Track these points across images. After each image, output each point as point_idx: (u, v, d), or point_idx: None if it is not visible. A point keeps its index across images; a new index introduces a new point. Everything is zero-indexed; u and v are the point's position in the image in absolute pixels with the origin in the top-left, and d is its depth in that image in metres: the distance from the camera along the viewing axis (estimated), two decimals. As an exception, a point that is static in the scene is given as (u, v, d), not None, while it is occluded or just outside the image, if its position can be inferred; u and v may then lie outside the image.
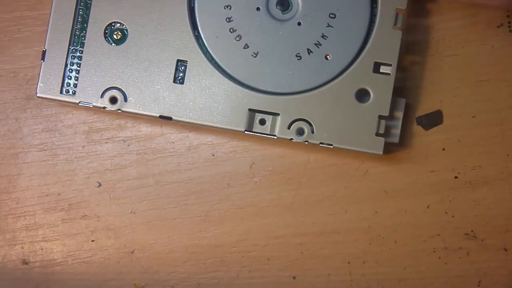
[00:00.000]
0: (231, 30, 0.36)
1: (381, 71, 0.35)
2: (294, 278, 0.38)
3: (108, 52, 0.36)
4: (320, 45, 0.36)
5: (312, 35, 0.36)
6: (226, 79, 0.36)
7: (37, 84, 0.36)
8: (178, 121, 0.36)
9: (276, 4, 0.36)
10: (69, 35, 0.36)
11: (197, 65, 0.36)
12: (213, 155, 0.38)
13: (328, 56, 0.36)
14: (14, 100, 0.39)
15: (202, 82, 0.36)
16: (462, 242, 0.37)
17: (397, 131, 0.36)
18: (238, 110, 0.36)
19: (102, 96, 0.36)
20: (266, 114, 0.36)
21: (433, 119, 0.38)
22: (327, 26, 0.35)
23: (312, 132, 0.35)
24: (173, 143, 0.39)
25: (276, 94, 0.36)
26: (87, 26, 0.36)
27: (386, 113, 0.35)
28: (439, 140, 0.38)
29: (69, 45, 0.36)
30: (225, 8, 0.36)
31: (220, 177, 0.38)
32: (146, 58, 0.36)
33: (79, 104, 0.36)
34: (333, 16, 0.35)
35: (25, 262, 0.39)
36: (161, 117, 0.36)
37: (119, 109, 0.36)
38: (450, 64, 0.38)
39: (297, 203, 0.38)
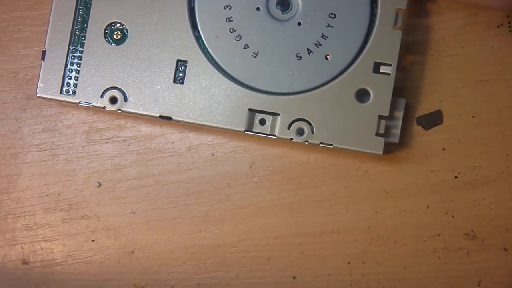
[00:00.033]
0: (231, 30, 0.36)
1: (381, 71, 0.35)
2: (294, 278, 0.38)
3: (108, 52, 0.36)
4: (320, 45, 0.36)
5: (312, 35, 0.36)
6: (226, 79, 0.36)
7: (37, 84, 0.36)
8: (178, 121, 0.36)
9: (276, 4, 0.36)
10: (69, 35, 0.36)
11: (197, 65, 0.36)
12: (213, 155, 0.38)
13: (328, 56, 0.36)
14: (14, 100, 0.39)
15: (202, 82, 0.36)
16: (462, 242, 0.37)
17: (397, 131, 0.36)
18: (238, 110, 0.36)
19: (102, 96, 0.36)
20: (266, 114, 0.36)
21: (433, 119, 0.38)
22: (327, 26, 0.35)
23: (312, 132, 0.35)
24: (173, 143, 0.39)
25: (276, 94, 0.36)
26: (87, 26, 0.36)
27: (386, 113, 0.35)
28: (439, 140, 0.38)
29: (69, 45, 0.36)
30: (225, 8, 0.36)
31: (220, 177, 0.38)
32: (146, 58, 0.36)
33: (79, 104, 0.36)
34: (333, 16, 0.35)
35: (25, 262, 0.39)
36: (161, 117, 0.36)
37: (119, 109, 0.36)
38: (450, 64, 0.38)
39: (297, 203, 0.38)
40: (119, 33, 0.36)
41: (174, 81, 0.36)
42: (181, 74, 0.36)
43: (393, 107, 0.36)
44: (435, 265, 0.37)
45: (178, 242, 0.38)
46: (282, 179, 0.38)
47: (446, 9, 0.38)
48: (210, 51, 0.36)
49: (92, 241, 0.39)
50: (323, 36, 0.36)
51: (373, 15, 0.35)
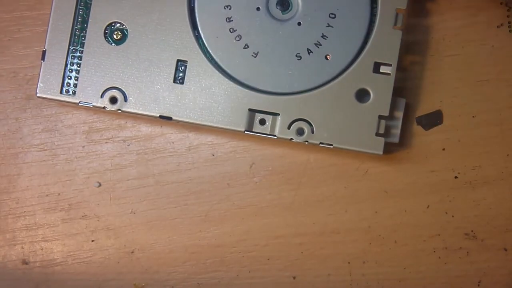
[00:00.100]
0: (231, 30, 0.36)
1: (381, 71, 0.35)
2: (294, 278, 0.38)
3: (108, 52, 0.36)
4: (320, 45, 0.36)
5: (312, 35, 0.36)
6: (226, 79, 0.36)
7: (37, 84, 0.36)
8: (178, 121, 0.36)
9: (276, 4, 0.36)
10: (69, 35, 0.36)
11: (197, 65, 0.36)
12: (213, 155, 0.38)
13: (328, 56, 0.36)
14: (14, 100, 0.39)
15: (202, 82, 0.36)
16: (462, 242, 0.37)
17: (397, 131, 0.36)
18: (238, 110, 0.36)
19: (102, 96, 0.36)
20: (266, 114, 0.36)
21: (433, 119, 0.38)
22: (327, 26, 0.35)
23: (312, 132, 0.35)
24: (173, 143, 0.39)
25: (276, 94, 0.36)
26: (87, 26, 0.36)
27: (386, 113, 0.35)
28: (439, 140, 0.38)
29: (69, 45, 0.36)
30: (225, 8, 0.36)
31: (220, 177, 0.38)
32: (146, 58, 0.36)
33: (79, 104, 0.36)
34: (333, 16, 0.35)
35: (25, 262, 0.39)
36: (161, 117, 0.36)
37: (119, 109, 0.36)
38: (450, 64, 0.38)
39: (297, 203, 0.38)
40: (119, 33, 0.36)
41: (174, 81, 0.36)
42: (181, 74, 0.36)
43: (393, 107, 0.36)
44: (435, 265, 0.37)
45: (178, 242, 0.38)
46: (282, 179, 0.38)
47: (446, 9, 0.38)
48: (210, 51, 0.36)
49: (92, 241, 0.39)
50: (323, 36, 0.36)
51: (373, 15, 0.35)
